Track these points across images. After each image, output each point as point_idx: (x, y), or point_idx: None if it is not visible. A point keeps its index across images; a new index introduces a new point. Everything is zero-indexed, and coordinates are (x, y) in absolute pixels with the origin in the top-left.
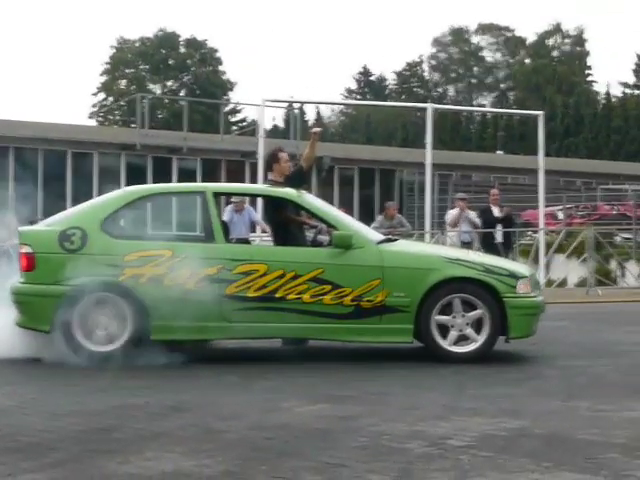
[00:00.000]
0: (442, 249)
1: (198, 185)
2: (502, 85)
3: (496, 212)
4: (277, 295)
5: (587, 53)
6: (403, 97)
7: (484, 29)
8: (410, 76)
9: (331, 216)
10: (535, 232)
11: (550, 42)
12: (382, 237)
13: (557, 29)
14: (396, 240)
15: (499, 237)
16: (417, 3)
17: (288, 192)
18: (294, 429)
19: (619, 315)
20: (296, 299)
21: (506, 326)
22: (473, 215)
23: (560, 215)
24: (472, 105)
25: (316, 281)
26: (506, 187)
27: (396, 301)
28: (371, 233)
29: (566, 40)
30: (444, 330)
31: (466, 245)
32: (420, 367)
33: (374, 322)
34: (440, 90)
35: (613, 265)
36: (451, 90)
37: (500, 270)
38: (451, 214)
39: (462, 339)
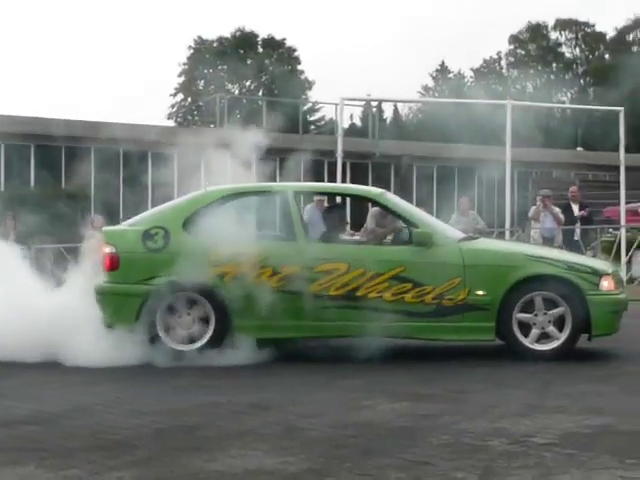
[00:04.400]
0: (524, 246)
1: (279, 185)
2: (582, 81)
3: (576, 210)
4: (358, 294)
5: None
6: (481, 94)
7: (563, 25)
8: (488, 73)
9: (411, 214)
10: (616, 229)
11: (630, 37)
12: (463, 235)
13: (638, 24)
14: (477, 238)
15: (577, 235)
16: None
17: (370, 190)
18: (377, 427)
19: None
20: (377, 297)
21: (589, 324)
22: (557, 211)
23: None
24: (552, 102)
25: (397, 279)
26: (587, 184)
27: (478, 299)
28: (451, 231)
29: None
30: (526, 328)
31: (547, 241)
32: (501, 365)
33: (456, 320)
34: (519, 87)
35: None
36: (530, 87)
37: (583, 267)
38: (532, 209)
39: (544, 337)
